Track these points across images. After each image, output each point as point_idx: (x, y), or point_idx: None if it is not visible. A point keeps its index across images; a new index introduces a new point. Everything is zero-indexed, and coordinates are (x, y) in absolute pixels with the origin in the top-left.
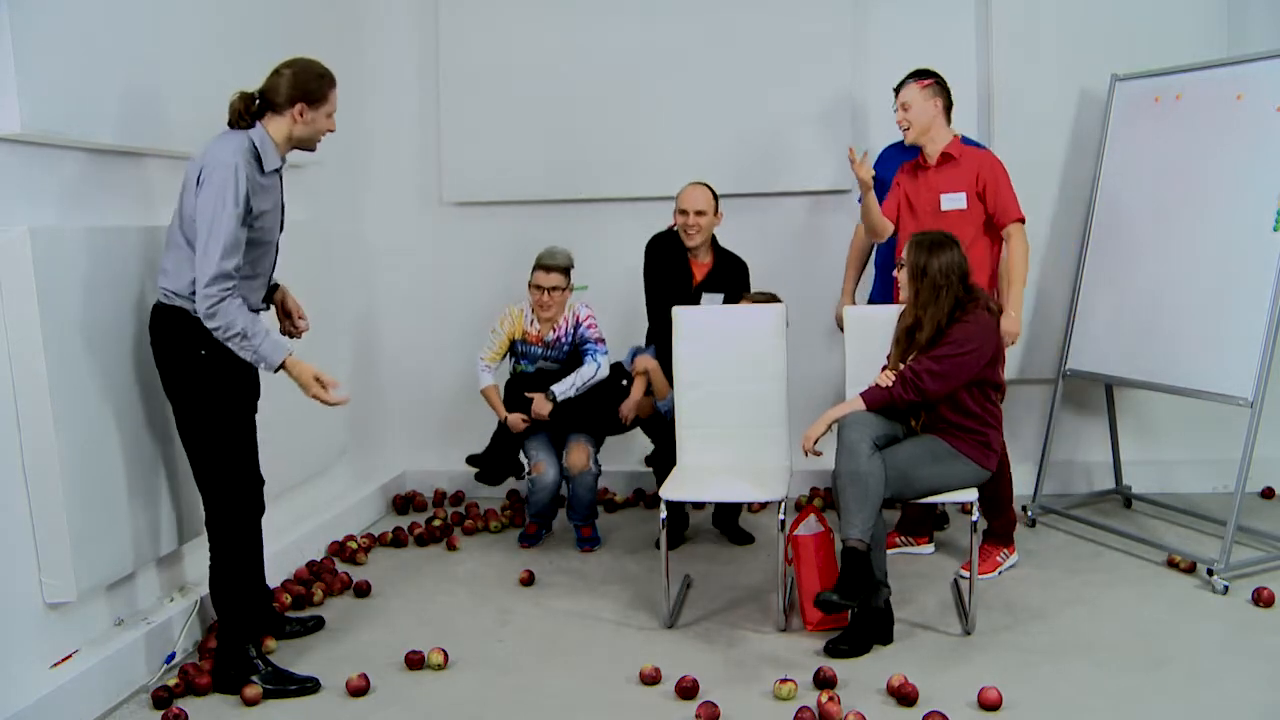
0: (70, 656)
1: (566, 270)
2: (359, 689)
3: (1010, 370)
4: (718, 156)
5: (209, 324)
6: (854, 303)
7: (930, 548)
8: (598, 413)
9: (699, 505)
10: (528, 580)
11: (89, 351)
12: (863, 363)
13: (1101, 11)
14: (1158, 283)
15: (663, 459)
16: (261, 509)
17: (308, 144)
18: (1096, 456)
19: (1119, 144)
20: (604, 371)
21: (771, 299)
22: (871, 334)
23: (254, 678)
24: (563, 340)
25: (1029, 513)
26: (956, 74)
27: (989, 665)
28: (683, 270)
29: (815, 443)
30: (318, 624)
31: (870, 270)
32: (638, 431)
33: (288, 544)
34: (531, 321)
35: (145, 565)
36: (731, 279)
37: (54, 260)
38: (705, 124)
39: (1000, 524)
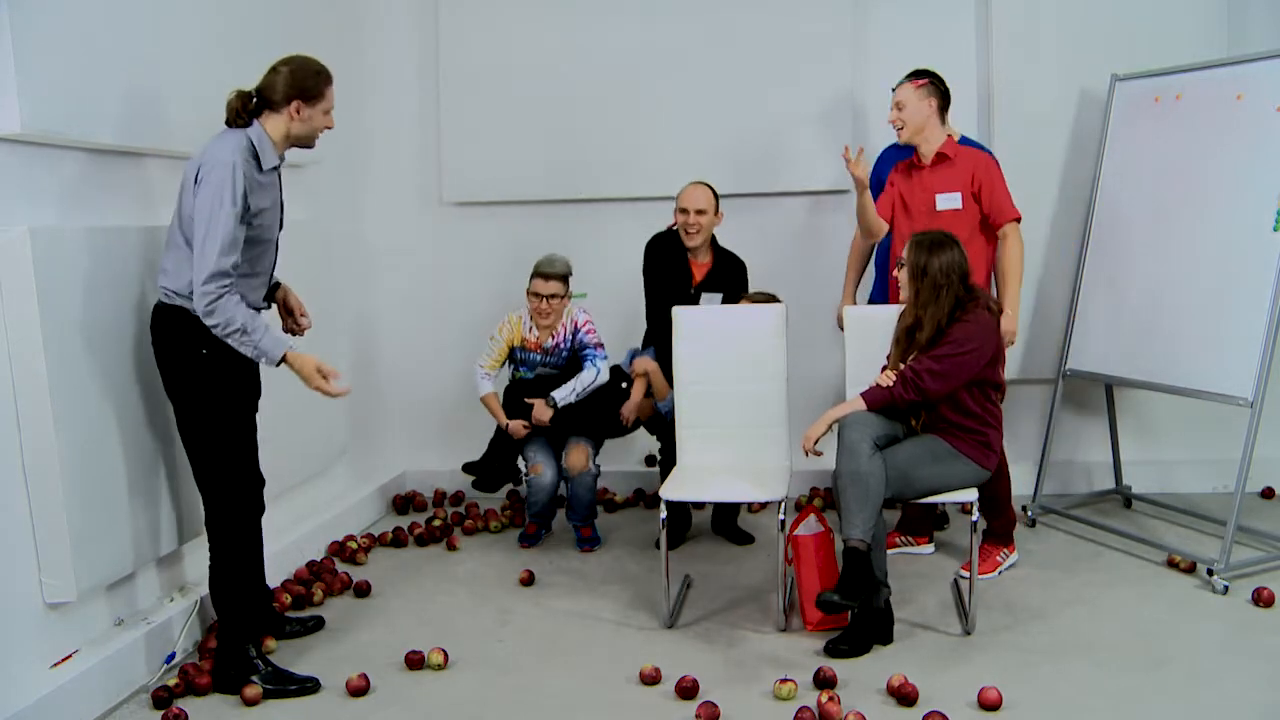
0: (70, 656)
1: (565, 278)
2: (359, 689)
3: (1010, 370)
4: (718, 156)
5: (208, 321)
6: (855, 303)
7: (930, 548)
8: (598, 416)
9: (699, 505)
10: (528, 580)
11: (89, 351)
12: (863, 363)
13: (1101, 11)
14: (1158, 283)
15: (670, 458)
16: (261, 509)
17: (306, 141)
18: (1096, 456)
19: (1119, 144)
20: (604, 376)
21: (770, 299)
22: (871, 334)
23: (254, 678)
24: (562, 346)
25: (1029, 513)
26: (956, 74)
27: (989, 665)
28: (682, 270)
29: (816, 443)
30: (318, 624)
31: (870, 270)
32: (638, 432)
33: (288, 544)
34: (530, 328)
35: (145, 565)
36: (731, 279)
37: (54, 260)
38: (705, 124)
39: (1000, 524)
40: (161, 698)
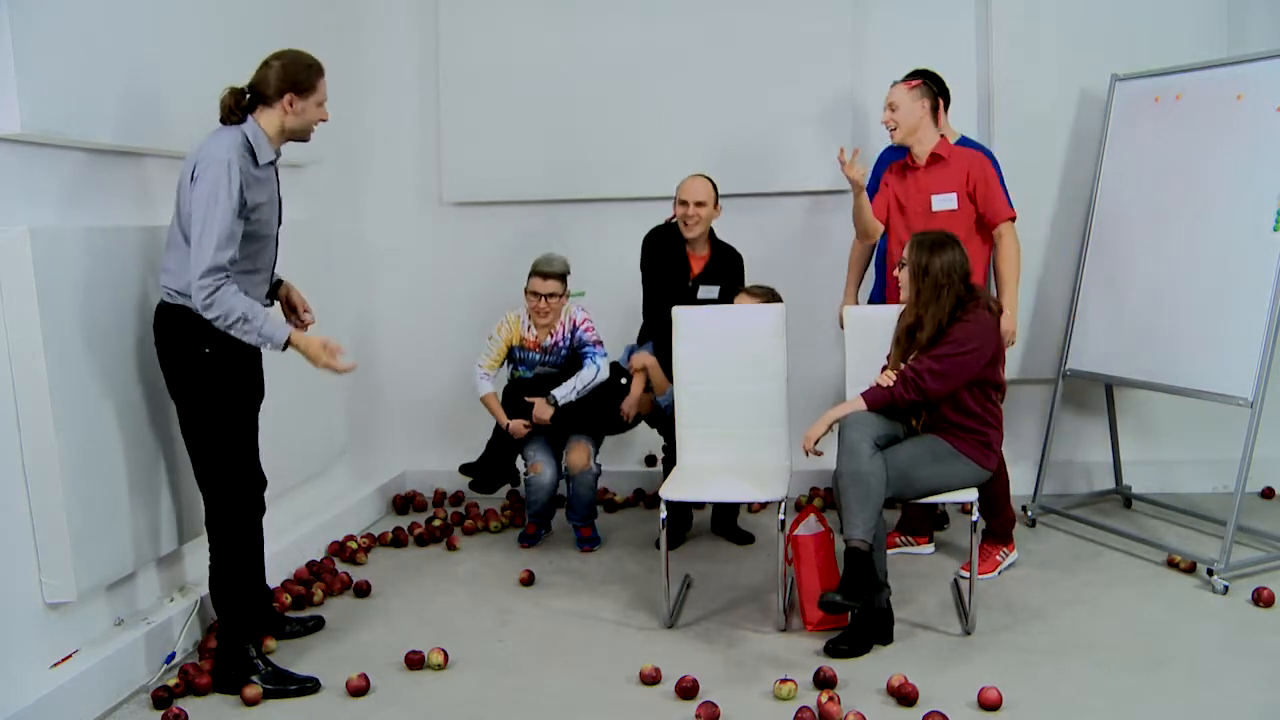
0: (70, 656)
1: (563, 276)
2: (359, 689)
3: (1010, 370)
4: (718, 156)
5: (208, 315)
6: (857, 303)
7: (930, 548)
8: (598, 413)
9: (699, 505)
10: (528, 580)
11: (89, 351)
12: (863, 363)
13: (1101, 11)
14: (1158, 283)
15: (672, 453)
16: (262, 509)
17: (301, 134)
18: (1096, 456)
19: (1119, 144)
20: (604, 374)
21: (769, 292)
22: (871, 334)
23: (254, 678)
24: (560, 345)
25: (1029, 513)
26: (956, 74)
27: (989, 665)
28: (680, 263)
29: (816, 443)
30: (318, 624)
31: (871, 270)
32: (638, 431)
33: (288, 544)
34: (529, 327)
35: (145, 565)
36: (728, 272)
37: (54, 260)
38: (705, 124)
39: (998, 523)
40: (161, 698)
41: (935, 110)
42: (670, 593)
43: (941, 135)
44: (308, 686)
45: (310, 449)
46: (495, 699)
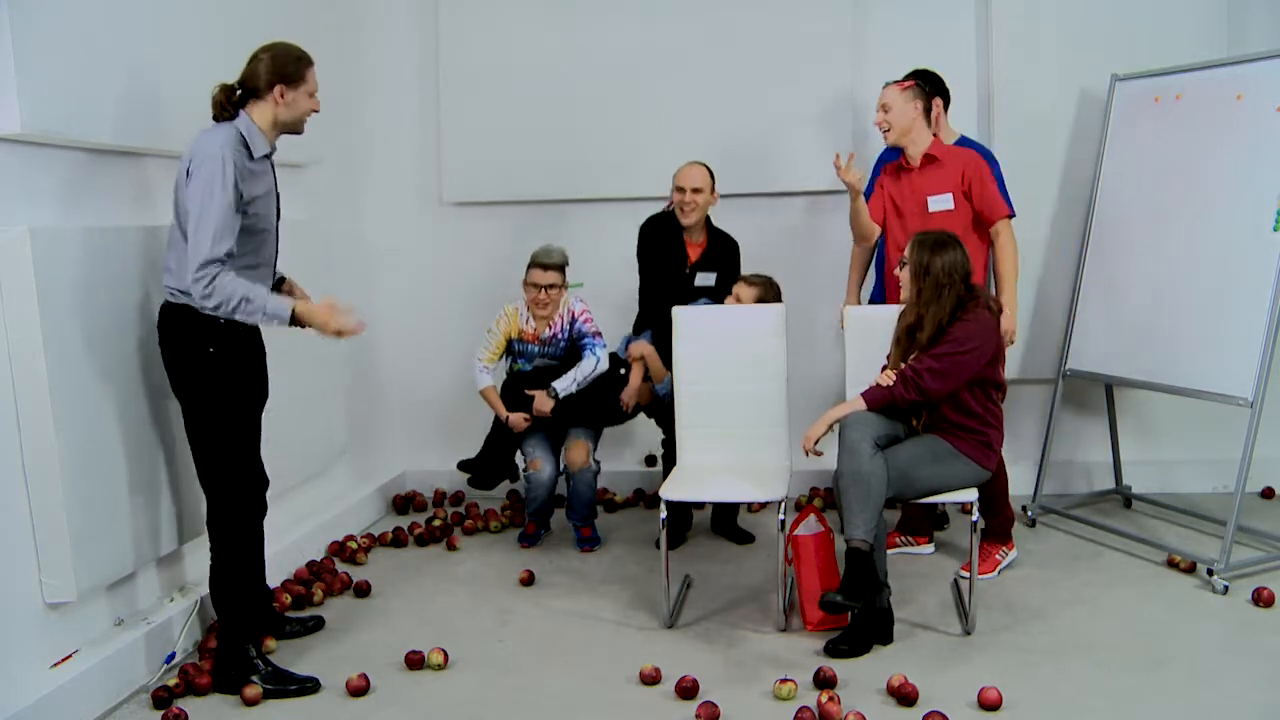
0: (70, 656)
1: (562, 268)
2: (359, 689)
3: (1010, 370)
4: (717, 156)
5: (208, 304)
6: (859, 303)
7: (930, 548)
8: (597, 404)
9: (699, 505)
10: (528, 580)
11: (89, 351)
12: (863, 363)
13: (1101, 11)
14: (1158, 283)
15: (671, 443)
16: (264, 510)
17: (294, 126)
18: (1096, 456)
19: (1119, 144)
20: (604, 365)
21: (767, 281)
22: (871, 334)
23: (254, 678)
24: (559, 337)
25: (1029, 513)
26: (956, 74)
27: (989, 665)
28: (677, 251)
29: (816, 443)
30: (318, 624)
31: (871, 271)
32: (638, 430)
33: (288, 544)
34: (527, 320)
35: (145, 565)
36: (725, 259)
37: (54, 260)
38: (705, 124)
39: (998, 522)
40: (161, 698)
41: (928, 111)
42: (670, 593)
43: (935, 135)
44: (308, 686)
45: (310, 449)
46: (495, 699)
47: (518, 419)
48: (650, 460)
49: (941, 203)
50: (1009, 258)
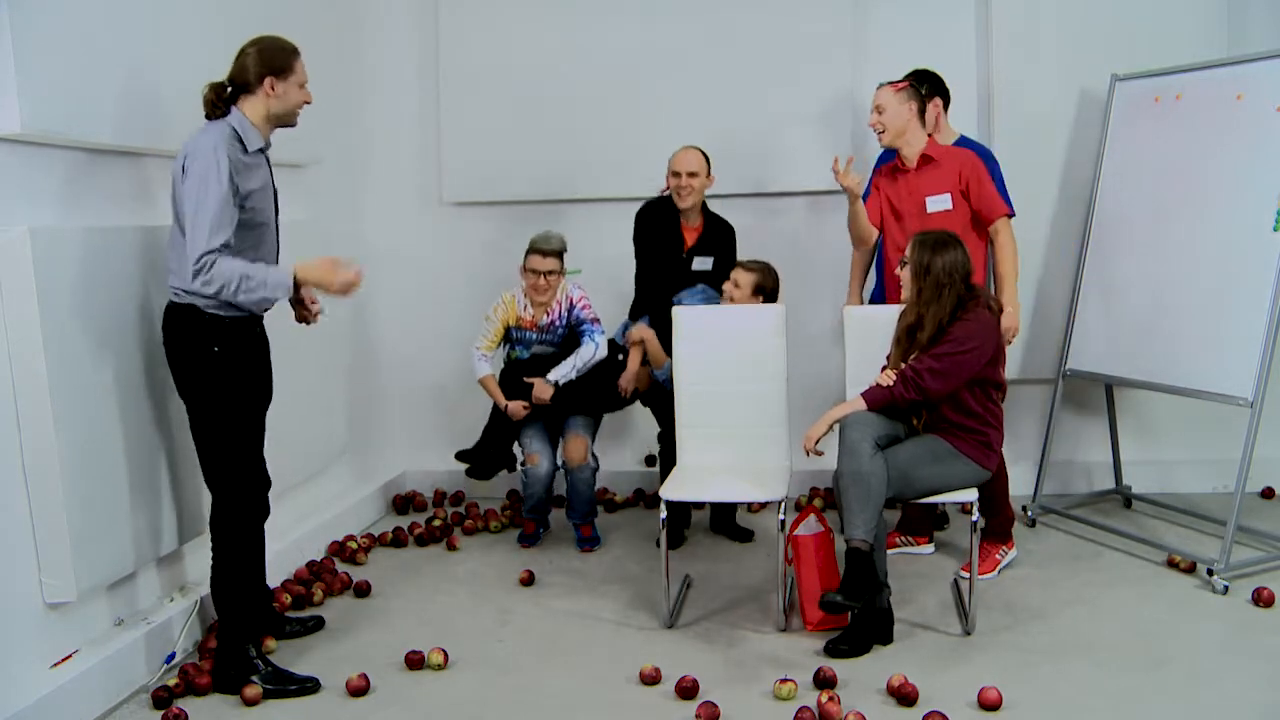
0: (70, 656)
1: (560, 254)
2: (359, 689)
3: (1010, 370)
4: (717, 156)
5: (209, 291)
6: (862, 303)
7: (930, 548)
8: (596, 390)
9: (699, 505)
10: (528, 580)
11: (89, 351)
12: (863, 363)
13: (1101, 11)
14: (1158, 283)
15: (669, 433)
16: (267, 511)
17: (287, 119)
18: (1096, 456)
19: (1119, 144)
20: (603, 351)
21: (765, 267)
22: (871, 334)
23: (254, 678)
24: (557, 324)
25: (1029, 513)
26: (956, 74)
27: (989, 665)
28: (674, 236)
29: (816, 443)
30: (318, 624)
31: (871, 271)
32: (638, 429)
33: (288, 544)
34: (525, 307)
35: (145, 565)
36: (721, 243)
37: (54, 260)
38: (705, 124)
39: (998, 522)
40: (161, 698)
41: (923, 112)
42: (670, 593)
43: (930, 136)
44: (308, 686)
45: (310, 449)
46: (495, 699)
47: (516, 407)
48: (650, 460)
49: (939, 203)
50: (1009, 257)
